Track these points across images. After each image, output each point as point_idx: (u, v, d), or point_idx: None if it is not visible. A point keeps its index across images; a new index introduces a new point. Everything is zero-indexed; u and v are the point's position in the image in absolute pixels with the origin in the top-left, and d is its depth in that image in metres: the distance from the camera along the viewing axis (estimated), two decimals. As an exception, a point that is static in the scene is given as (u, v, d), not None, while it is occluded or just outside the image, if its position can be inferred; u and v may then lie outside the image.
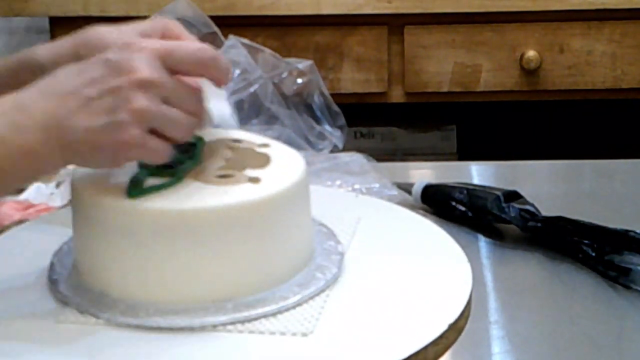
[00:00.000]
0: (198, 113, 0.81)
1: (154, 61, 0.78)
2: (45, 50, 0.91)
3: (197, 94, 0.81)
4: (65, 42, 0.91)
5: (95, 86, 0.77)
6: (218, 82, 0.83)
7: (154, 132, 0.78)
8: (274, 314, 0.80)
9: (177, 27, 0.88)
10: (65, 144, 0.77)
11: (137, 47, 0.80)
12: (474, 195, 1.07)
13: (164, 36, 0.88)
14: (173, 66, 0.79)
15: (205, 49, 0.81)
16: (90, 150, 0.77)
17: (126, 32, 0.88)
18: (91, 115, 0.77)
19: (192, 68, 0.81)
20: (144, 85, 0.77)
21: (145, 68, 0.77)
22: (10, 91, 0.83)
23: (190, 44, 0.83)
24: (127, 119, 0.76)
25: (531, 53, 1.91)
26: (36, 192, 1.11)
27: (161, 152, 0.79)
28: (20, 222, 1.00)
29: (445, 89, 1.94)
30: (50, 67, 0.86)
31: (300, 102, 1.22)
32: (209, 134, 0.89)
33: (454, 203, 1.08)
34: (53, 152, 0.77)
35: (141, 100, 0.77)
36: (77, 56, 0.86)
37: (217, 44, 1.24)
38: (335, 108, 1.23)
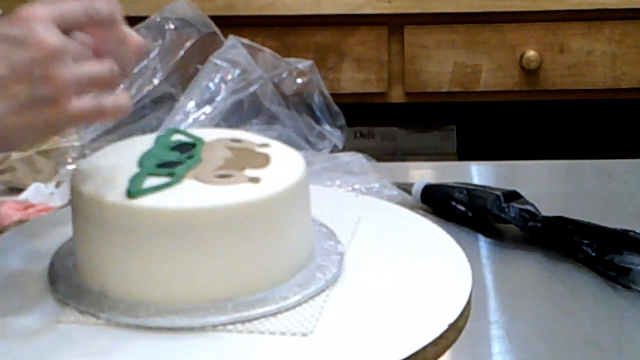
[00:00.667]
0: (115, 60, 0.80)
1: (53, 28, 0.77)
2: None
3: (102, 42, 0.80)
4: None
5: (2, 63, 0.76)
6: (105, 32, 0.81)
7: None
8: (274, 314, 0.80)
9: None
10: None
11: (31, 17, 0.77)
12: (474, 195, 1.07)
13: None
14: (67, 27, 0.78)
15: (87, 4, 0.79)
16: (16, 130, 0.76)
17: None
18: (9, 96, 0.75)
19: (84, 25, 0.79)
20: (55, 55, 0.75)
21: (48, 37, 0.76)
22: None
23: (76, 3, 0.80)
24: (51, 93, 0.75)
25: (531, 53, 1.91)
26: (36, 192, 1.11)
27: (110, 107, 0.78)
28: (20, 222, 1.00)
29: (445, 89, 1.94)
30: None
31: (300, 102, 1.22)
32: (209, 134, 0.90)
33: (454, 203, 1.08)
34: None
35: (59, 70, 0.75)
36: None
37: (217, 44, 1.24)
38: (335, 108, 1.23)
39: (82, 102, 0.77)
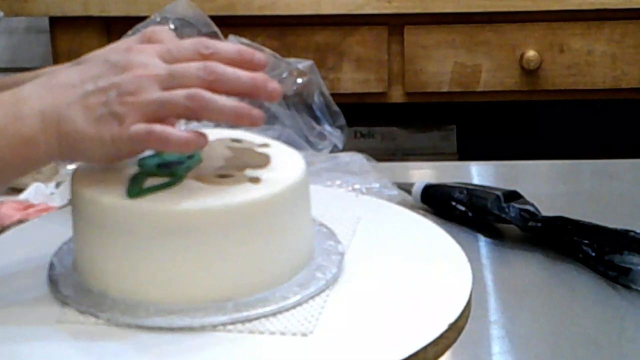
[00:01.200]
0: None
1: (154, 58, 0.79)
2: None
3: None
4: None
5: (94, 81, 0.78)
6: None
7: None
8: (274, 314, 0.80)
9: (165, 32, 0.88)
10: (63, 133, 0.78)
11: (137, 49, 0.80)
12: (474, 195, 1.07)
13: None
14: (172, 61, 0.79)
15: (204, 43, 0.81)
16: (87, 141, 0.78)
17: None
18: (89, 107, 0.77)
19: (191, 58, 0.80)
20: (147, 77, 0.77)
21: (145, 64, 0.78)
22: None
23: (188, 42, 0.82)
24: (124, 111, 0.76)
25: (531, 53, 1.91)
26: (36, 192, 1.11)
27: (175, 137, 0.77)
28: (20, 222, 1.00)
29: (445, 89, 1.94)
30: None
31: (300, 102, 1.22)
32: (209, 134, 0.89)
33: (454, 203, 1.08)
34: (50, 140, 0.78)
35: (140, 92, 0.77)
36: None
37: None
38: (335, 108, 1.23)
39: (143, 126, 0.77)
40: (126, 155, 0.80)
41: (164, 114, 0.78)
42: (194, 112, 0.78)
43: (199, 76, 0.78)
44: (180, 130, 0.78)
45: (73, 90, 0.78)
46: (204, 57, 0.80)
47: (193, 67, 0.79)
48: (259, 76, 0.80)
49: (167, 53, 0.80)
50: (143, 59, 0.79)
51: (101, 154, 0.79)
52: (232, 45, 0.82)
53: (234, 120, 0.79)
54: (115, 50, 0.82)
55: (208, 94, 0.78)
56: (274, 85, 0.81)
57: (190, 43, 0.81)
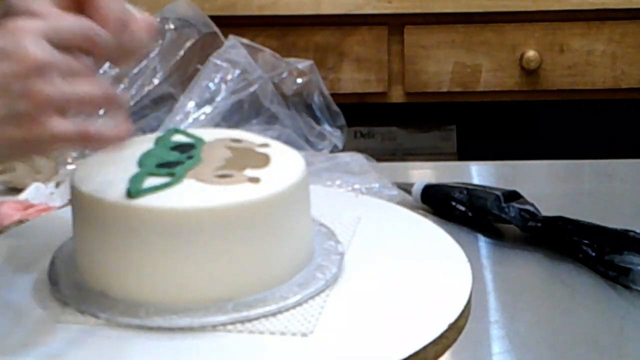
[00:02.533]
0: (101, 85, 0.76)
1: (41, 42, 0.73)
2: None
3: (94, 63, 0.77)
4: None
5: None
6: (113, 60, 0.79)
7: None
8: (274, 314, 0.80)
9: None
10: None
11: (21, 29, 0.74)
12: (474, 195, 1.07)
13: None
14: (60, 43, 0.74)
15: (86, 24, 0.76)
16: None
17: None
18: None
19: (79, 44, 0.76)
20: (39, 70, 0.72)
21: (34, 51, 0.72)
22: None
23: (73, 19, 0.76)
24: (30, 109, 0.72)
25: (531, 53, 1.91)
26: (36, 192, 1.11)
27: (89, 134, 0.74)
28: (20, 222, 1.00)
29: (445, 89, 1.94)
30: None
31: (300, 102, 1.22)
32: (209, 134, 0.89)
33: (454, 203, 1.08)
34: None
35: (40, 86, 0.72)
36: None
37: (217, 44, 1.24)
38: (335, 108, 1.23)
39: (64, 123, 0.73)
40: (45, 152, 0.75)
41: (77, 106, 0.74)
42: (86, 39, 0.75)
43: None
44: (99, 124, 0.75)
45: None
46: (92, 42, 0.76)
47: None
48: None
49: (55, 35, 0.74)
50: (30, 42, 0.73)
51: (14, 155, 0.76)
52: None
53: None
54: None
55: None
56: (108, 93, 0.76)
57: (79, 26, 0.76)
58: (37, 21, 0.75)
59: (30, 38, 0.73)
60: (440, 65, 1.93)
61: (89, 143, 0.76)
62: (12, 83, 0.72)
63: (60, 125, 0.73)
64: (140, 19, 0.82)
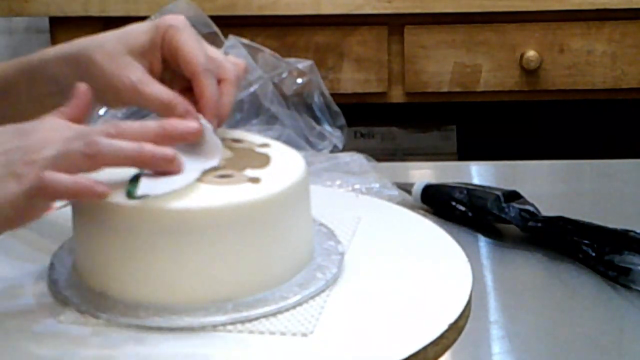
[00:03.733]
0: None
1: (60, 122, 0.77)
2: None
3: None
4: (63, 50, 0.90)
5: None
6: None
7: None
8: (274, 314, 0.80)
9: (178, 32, 0.86)
10: None
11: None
12: (474, 195, 1.07)
13: (164, 46, 0.86)
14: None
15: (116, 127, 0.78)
16: None
17: (115, 49, 0.86)
18: None
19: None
20: (50, 138, 0.75)
21: (54, 129, 0.76)
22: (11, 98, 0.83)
23: (100, 127, 0.78)
24: (24, 171, 0.74)
25: (531, 53, 1.91)
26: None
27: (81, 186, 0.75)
28: (20, 222, 1.00)
29: (445, 89, 1.94)
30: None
31: (300, 102, 1.22)
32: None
33: (454, 203, 1.08)
34: None
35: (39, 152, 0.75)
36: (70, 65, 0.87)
37: (217, 44, 1.24)
38: (335, 108, 1.23)
39: (38, 179, 0.74)
40: (25, 218, 0.76)
41: (62, 167, 0.75)
42: (92, 159, 0.76)
43: (83, 152, 0.75)
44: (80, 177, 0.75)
45: None
46: (112, 136, 0.77)
47: (77, 144, 0.76)
48: (146, 148, 0.76)
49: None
50: (49, 123, 0.77)
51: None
52: (153, 123, 0.78)
53: (137, 164, 0.77)
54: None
55: (104, 140, 0.75)
56: (164, 153, 0.78)
57: (101, 126, 0.77)
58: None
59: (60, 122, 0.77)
60: (440, 65, 1.93)
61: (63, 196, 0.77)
62: (20, 151, 0.75)
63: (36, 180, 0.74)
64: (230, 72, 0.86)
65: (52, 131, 0.77)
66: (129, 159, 0.77)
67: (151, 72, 0.87)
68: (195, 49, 0.86)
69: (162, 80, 0.87)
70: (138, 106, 0.89)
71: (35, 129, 0.77)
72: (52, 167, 0.75)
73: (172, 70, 0.87)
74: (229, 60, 0.88)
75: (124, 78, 0.85)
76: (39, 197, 0.75)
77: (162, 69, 0.88)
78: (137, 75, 0.85)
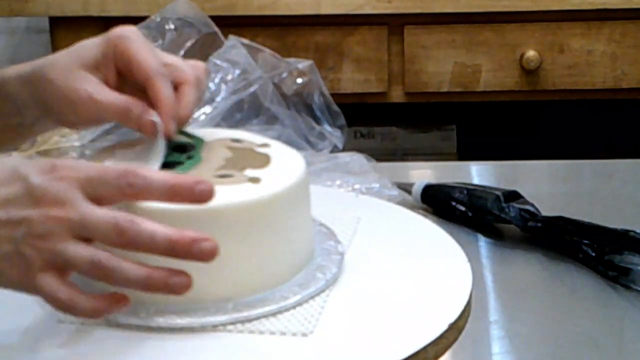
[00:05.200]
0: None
1: (73, 192, 0.74)
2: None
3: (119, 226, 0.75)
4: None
5: (7, 208, 0.74)
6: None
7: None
8: (274, 314, 0.80)
9: (130, 42, 0.85)
10: None
11: (59, 173, 0.75)
12: (474, 195, 1.07)
13: (117, 57, 0.86)
14: (94, 195, 0.75)
15: (131, 180, 0.75)
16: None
17: (68, 65, 0.86)
18: None
19: (113, 196, 0.76)
20: (59, 221, 0.73)
21: (62, 201, 0.74)
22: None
23: (114, 174, 0.75)
24: (31, 254, 0.73)
25: (531, 53, 1.91)
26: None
27: (80, 308, 0.74)
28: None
29: (445, 89, 1.94)
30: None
31: (300, 102, 1.22)
32: (209, 134, 0.89)
33: (454, 203, 1.08)
34: None
35: (49, 237, 0.73)
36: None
37: (217, 44, 1.24)
38: (335, 108, 1.23)
39: (51, 284, 0.74)
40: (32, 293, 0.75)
41: (67, 269, 0.75)
42: (96, 277, 0.75)
43: (109, 236, 0.73)
44: (86, 299, 0.75)
45: None
46: (128, 196, 0.76)
47: (105, 222, 0.73)
48: (180, 236, 0.74)
49: (89, 185, 0.75)
50: (61, 190, 0.74)
51: (4, 285, 0.75)
52: (165, 178, 0.76)
53: (143, 288, 0.75)
54: (38, 168, 0.75)
55: (112, 263, 0.74)
56: (203, 245, 0.74)
57: (116, 176, 0.75)
58: (80, 170, 0.75)
59: (65, 184, 0.74)
60: (440, 65, 1.93)
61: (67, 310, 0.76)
62: (29, 226, 0.73)
63: (48, 284, 0.74)
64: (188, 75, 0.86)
65: (58, 207, 0.74)
66: (133, 286, 0.75)
67: (106, 84, 0.86)
68: (147, 56, 0.85)
69: (121, 93, 0.86)
70: (96, 118, 0.87)
71: (45, 195, 0.74)
72: (58, 264, 0.74)
73: (130, 83, 0.87)
74: (187, 63, 0.88)
75: (80, 91, 0.85)
76: (45, 297, 0.75)
77: (120, 83, 0.87)
78: (92, 87, 0.85)
